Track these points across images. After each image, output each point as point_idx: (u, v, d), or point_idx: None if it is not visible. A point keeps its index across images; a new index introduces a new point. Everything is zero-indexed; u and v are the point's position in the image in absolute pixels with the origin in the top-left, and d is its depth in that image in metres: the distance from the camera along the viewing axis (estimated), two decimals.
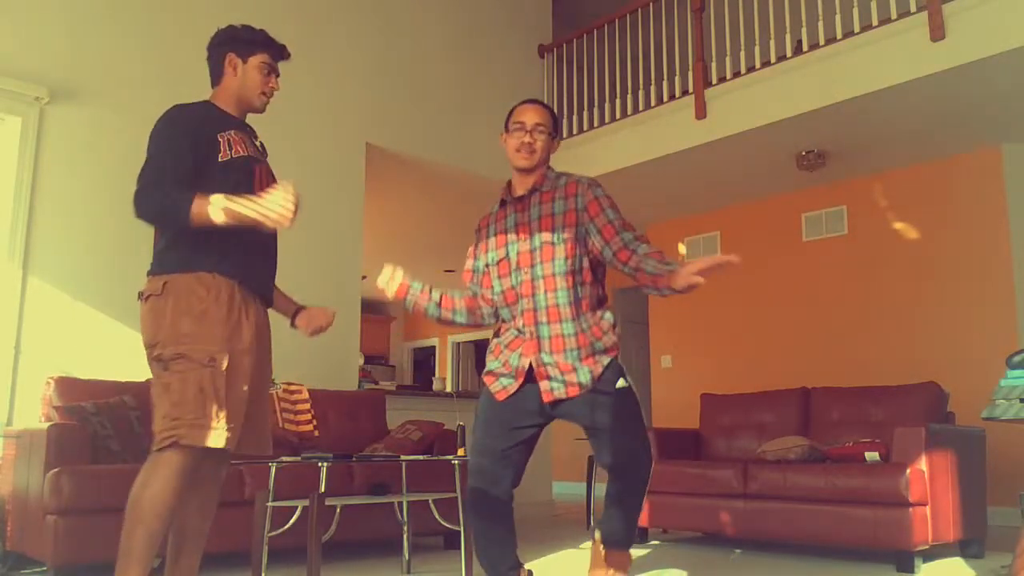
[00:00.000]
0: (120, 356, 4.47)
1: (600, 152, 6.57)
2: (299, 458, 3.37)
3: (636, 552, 4.10)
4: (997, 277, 5.71)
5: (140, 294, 2.21)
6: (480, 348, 11.61)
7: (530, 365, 2.52)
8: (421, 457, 3.96)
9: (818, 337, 6.56)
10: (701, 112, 5.88)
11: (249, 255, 2.25)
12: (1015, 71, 4.70)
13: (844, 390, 4.87)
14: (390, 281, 2.66)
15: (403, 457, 3.82)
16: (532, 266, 2.54)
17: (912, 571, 3.67)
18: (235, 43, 2.35)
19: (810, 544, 4.28)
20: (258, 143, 2.39)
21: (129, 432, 3.78)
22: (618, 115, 6.55)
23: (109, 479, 3.38)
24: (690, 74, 6.05)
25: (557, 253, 2.51)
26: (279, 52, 2.40)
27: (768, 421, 4.98)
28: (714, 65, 5.89)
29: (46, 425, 3.50)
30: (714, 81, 5.87)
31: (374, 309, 11.99)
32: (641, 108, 6.41)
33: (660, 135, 6.16)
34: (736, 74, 5.79)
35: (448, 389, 7.36)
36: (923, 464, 3.77)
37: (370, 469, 4.11)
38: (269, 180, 2.31)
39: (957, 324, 5.84)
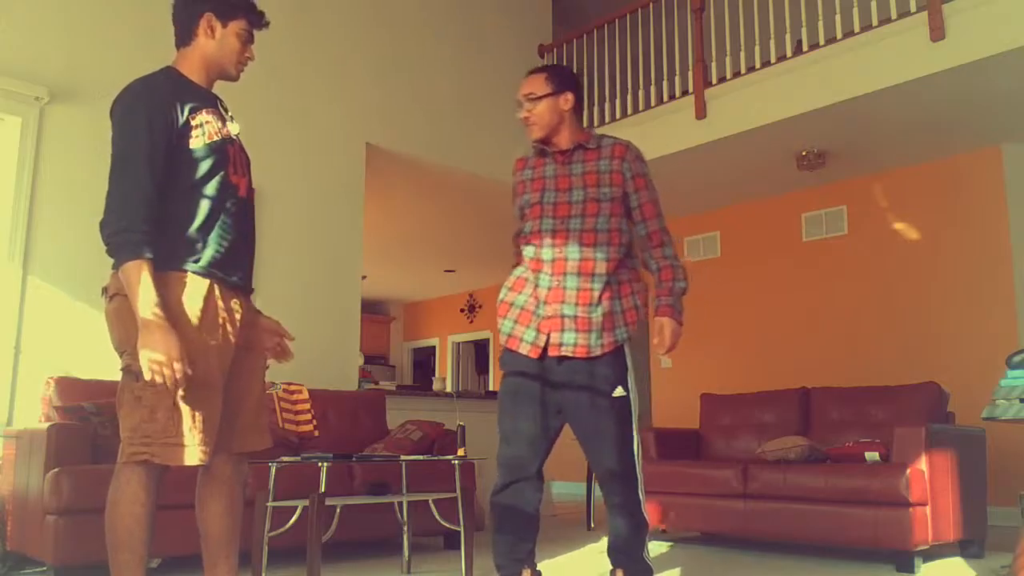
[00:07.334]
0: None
1: None
2: (299, 458, 3.37)
3: None
4: (997, 277, 5.71)
5: (104, 290, 2.00)
6: (480, 348, 11.60)
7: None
8: (421, 457, 3.96)
9: (818, 337, 6.56)
10: (701, 112, 5.88)
11: (228, 248, 2.05)
12: (1015, 71, 4.70)
13: (844, 390, 4.87)
14: None
15: (403, 457, 3.82)
16: (570, 217, 2.47)
17: (912, 571, 3.67)
18: (215, 2, 2.09)
19: (810, 544, 4.28)
20: (228, 114, 2.17)
21: None
22: (618, 115, 6.55)
23: (109, 479, 3.37)
24: (690, 74, 6.05)
25: (602, 209, 2.47)
26: (259, 20, 2.17)
27: (768, 421, 4.98)
28: (714, 65, 5.89)
29: (46, 425, 3.50)
30: (714, 81, 5.87)
31: (374, 309, 12.00)
32: (641, 108, 6.41)
33: (660, 135, 6.15)
34: (736, 74, 5.79)
35: (448, 389, 7.35)
36: (923, 464, 3.77)
37: (370, 469, 4.11)
38: (242, 159, 2.15)
39: (957, 324, 5.84)
